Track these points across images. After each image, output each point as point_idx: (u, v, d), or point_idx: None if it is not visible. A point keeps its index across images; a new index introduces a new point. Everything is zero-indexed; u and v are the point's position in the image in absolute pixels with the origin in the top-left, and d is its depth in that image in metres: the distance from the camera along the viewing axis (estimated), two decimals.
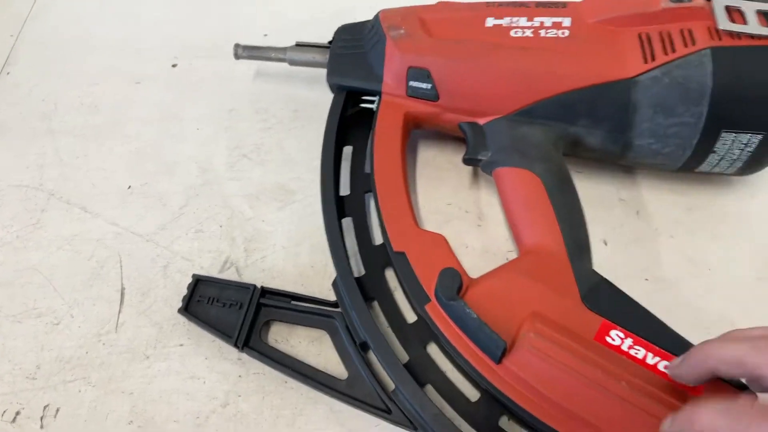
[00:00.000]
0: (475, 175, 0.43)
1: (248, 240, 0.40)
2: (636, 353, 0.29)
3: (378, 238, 0.38)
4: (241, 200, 0.42)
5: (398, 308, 0.36)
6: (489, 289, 0.32)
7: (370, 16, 0.42)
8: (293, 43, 0.45)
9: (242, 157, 0.45)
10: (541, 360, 0.29)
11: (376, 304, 0.36)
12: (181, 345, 0.36)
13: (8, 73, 0.52)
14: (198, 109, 0.48)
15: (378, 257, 0.37)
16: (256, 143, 0.46)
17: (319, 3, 0.54)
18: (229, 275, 0.39)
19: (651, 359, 0.29)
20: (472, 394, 0.33)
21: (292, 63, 0.45)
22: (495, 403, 0.32)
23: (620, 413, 0.28)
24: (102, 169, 0.45)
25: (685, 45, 0.34)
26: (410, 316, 0.35)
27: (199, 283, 0.37)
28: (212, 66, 0.50)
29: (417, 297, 0.33)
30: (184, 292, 0.37)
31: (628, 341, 0.30)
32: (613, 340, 0.30)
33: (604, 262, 0.36)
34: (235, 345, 0.34)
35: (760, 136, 0.34)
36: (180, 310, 0.36)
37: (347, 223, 0.39)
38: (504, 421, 0.32)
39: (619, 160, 0.39)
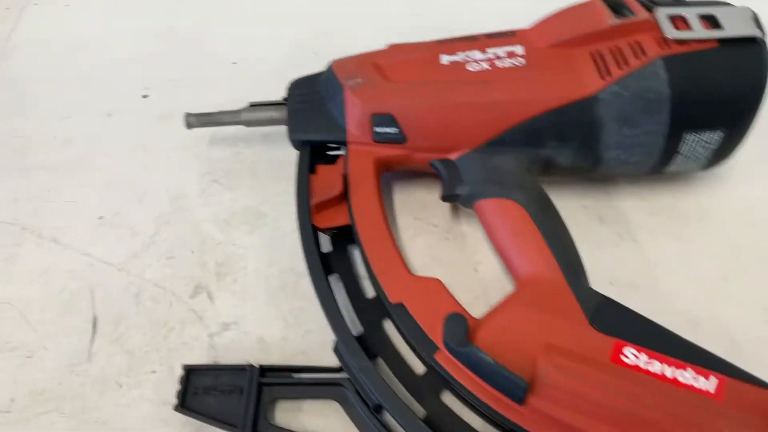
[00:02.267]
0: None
1: (219, 264, 0.41)
2: (653, 368, 0.29)
3: (369, 291, 0.37)
4: (212, 225, 0.43)
5: (405, 362, 0.35)
6: (496, 327, 0.32)
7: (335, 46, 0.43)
8: (247, 104, 0.44)
9: (213, 183, 0.46)
10: (565, 393, 0.28)
11: (381, 361, 0.35)
12: (154, 372, 0.36)
13: None
14: (169, 139, 0.48)
15: (373, 311, 0.36)
16: (226, 168, 0.47)
17: (287, 32, 0.56)
18: (201, 300, 0.39)
19: (669, 372, 0.29)
20: None
21: (249, 124, 0.44)
22: None
23: (647, 429, 0.27)
24: (74, 201, 0.45)
25: (637, 57, 0.35)
26: (418, 367, 0.34)
27: (191, 374, 0.34)
28: (182, 95, 0.51)
29: (424, 347, 0.32)
30: (156, 317, 0.38)
31: (644, 357, 0.29)
32: (628, 358, 0.30)
33: None
34: None
35: (721, 133, 0.35)
36: (176, 408, 0.33)
37: (334, 280, 0.38)
38: None
39: (590, 173, 0.40)
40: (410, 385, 0.34)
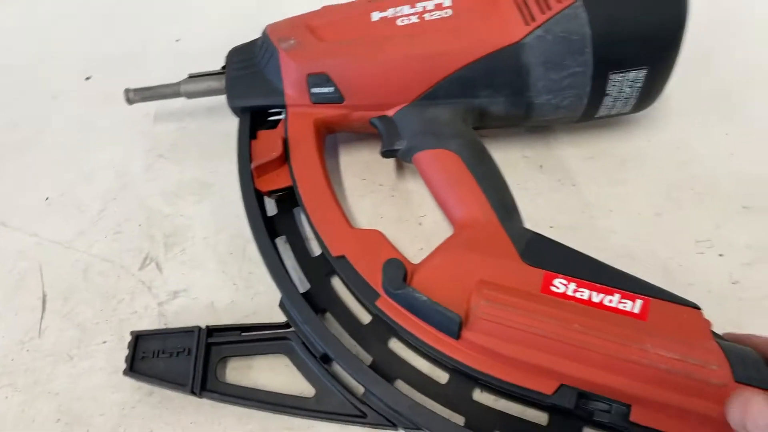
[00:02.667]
0: None
1: (168, 235, 0.42)
2: (581, 295, 0.30)
3: (316, 250, 0.38)
4: (159, 198, 0.44)
5: (351, 313, 0.35)
6: (433, 270, 0.33)
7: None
8: (186, 76, 0.44)
9: (159, 158, 0.46)
10: (496, 324, 0.29)
11: (329, 315, 0.35)
12: (105, 342, 0.37)
13: None
14: (114, 118, 0.49)
15: (320, 268, 0.37)
16: (172, 143, 0.47)
17: (231, 5, 0.56)
18: (150, 271, 0.40)
19: (596, 298, 0.30)
20: (442, 376, 0.33)
21: (189, 96, 0.44)
22: (464, 378, 0.32)
23: (578, 355, 0.29)
24: (21, 183, 0.46)
25: (558, 1, 0.35)
26: (365, 317, 0.35)
27: (139, 339, 0.34)
28: (126, 75, 0.51)
29: (366, 295, 0.33)
30: (105, 291, 0.38)
31: (572, 286, 0.30)
32: (558, 288, 0.31)
33: None
34: (192, 392, 0.32)
35: (644, 71, 0.36)
36: (125, 372, 0.33)
37: (281, 242, 0.38)
38: (477, 394, 0.32)
39: (525, 122, 0.41)
40: (357, 334, 0.35)
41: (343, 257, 0.34)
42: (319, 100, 0.39)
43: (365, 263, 0.34)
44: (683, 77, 0.44)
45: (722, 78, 0.46)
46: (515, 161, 0.43)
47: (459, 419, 0.31)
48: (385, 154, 0.39)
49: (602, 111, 0.39)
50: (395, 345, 0.34)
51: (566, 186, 0.42)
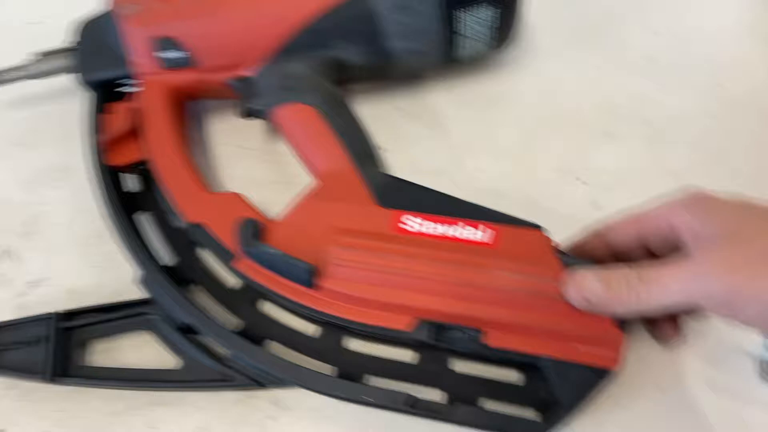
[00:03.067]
0: None
1: (26, 225, 0.39)
2: (432, 230, 0.30)
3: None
4: (15, 188, 0.41)
5: (220, 281, 0.34)
6: (290, 224, 0.32)
7: None
8: (31, 56, 0.41)
9: (14, 146, 0.43)
10: (349, 269, 0.29)
11: (198, 286, 0.34)
12: None
13: None
14: None
15: (185, 240, 0.35)
16: (29, 129, 0.43)
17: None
18: (8, 264, 0.37)
19: (446, 231, 0.30)
20: (312, 330, 0.33)
21: (40, 76, 0.41)
22: (333, 329, 0.32)
23: (430, 288, 0.29)
24: None
25: None
26: (235, 283, 0.34)
27: None
28: None
29: (226, 259, 0.32)
30: None
31: (423, 222, 0.31)
32: (410, 226, 0.31)
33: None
34: (51, 380, 0.31)
35: (491, 7, 0.36)
36: None
37: (147, 218, 0.37)
38: (349, 343, 0.32)
39: (389, 72, 0.40)
40: (226, 301, 0.34)
41: (199, 224, 0.33)
42: (171, 65, 0.38)
43: (223, 227, 0.33)
44: (548, 13, 0.45)
45: (586, 12, 0.47)
46: (388, 113, 0.43)
47: (331, 370, 0.31)
48: (244, 114, 0.38)
49: (462, 52, 0.39)
50: (267, 307, 0.34)
51: (437, 132, 0.42)
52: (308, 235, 0.31)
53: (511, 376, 0.31)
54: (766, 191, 0.28)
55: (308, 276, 0.29)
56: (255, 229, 0.31)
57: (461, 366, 0.32)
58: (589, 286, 0.26)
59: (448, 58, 0.40)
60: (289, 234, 0.31)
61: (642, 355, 0.32)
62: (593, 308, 0.27)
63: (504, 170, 0.40)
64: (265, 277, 0.31)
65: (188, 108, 0.41)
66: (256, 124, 0.41)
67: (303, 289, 0.30)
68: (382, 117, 0.42)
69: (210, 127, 0.43)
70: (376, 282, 0.29)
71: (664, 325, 0.30)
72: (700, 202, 0.26)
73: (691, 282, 0.24)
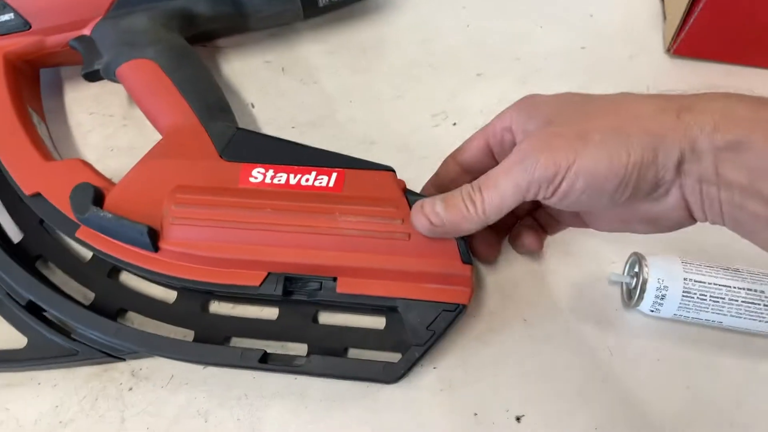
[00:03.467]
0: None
1: None
2: (279, 180, 0.29)
3: None
4: None
5: (71, 253, 0.33)
6: (129, 186, 0.30)
7: None
8: None
9: None
10: (188, 227, 0.28)
11: (48, 261, 0.32)
12: None
13: None
14: None
15: (32, 214, 0.33)
16: None
17: None
18: None
19: (294, 180, 0.29)
20: (171, 296, 0.31)
21: None
22: (189, 293, 0.30)
23: (277, 239, 0.28)
24: None
25: None
26: (87, 255, 0.32)
27: None
28: None
29: (67, 230, 0.30)
30: None
31: (270, 173, 0.29)
32: (256, 178, 0.29)
33: (253, 121, 0.36)
34: None
35: None
36: None
37: None
38: (211, 306, 0.31)
39: (251, 24, 0.38)
40: (77, 273, 0.32)
41: (38, 195, 0.31)
42: (2, 31, 0.35)
43: (63, 196, 0.30)
44: None
45: None
46: (257, 67, 0.41)
47: (189, 334, 0.30)
48: (87, 76, 0.35)
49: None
50: (125, 276, 0.32)
51: (308, 84, 0.40)
52: (150, 196, 0.29)
53: (379, 323, 0.31)
54: None
55: (146, 238, 0.28)
56: (90, 194, 0.29)
57: (328, 318, 0.31)
58: (431, 209, 0.26)
59: (309, 6, 0.38)
60: (129, 197, 0.30)
61: (508, 292, 0.32)
62: (441, 232, 0.26)
63: (378, 118, 0.38)
64: (109, 245, 0.29)
65: (40, 76, 0.39)
66: (117, 90, 0.38)
67: (147, 253, 0.29)
68: (251, 71, 0.40)
69: (69, 95, 0.40)
70: (218, 238, 0.28)
71: (525, 235, 0.30)
72: (527, 100, 0.27)
73: (518, 172, 0.24)
